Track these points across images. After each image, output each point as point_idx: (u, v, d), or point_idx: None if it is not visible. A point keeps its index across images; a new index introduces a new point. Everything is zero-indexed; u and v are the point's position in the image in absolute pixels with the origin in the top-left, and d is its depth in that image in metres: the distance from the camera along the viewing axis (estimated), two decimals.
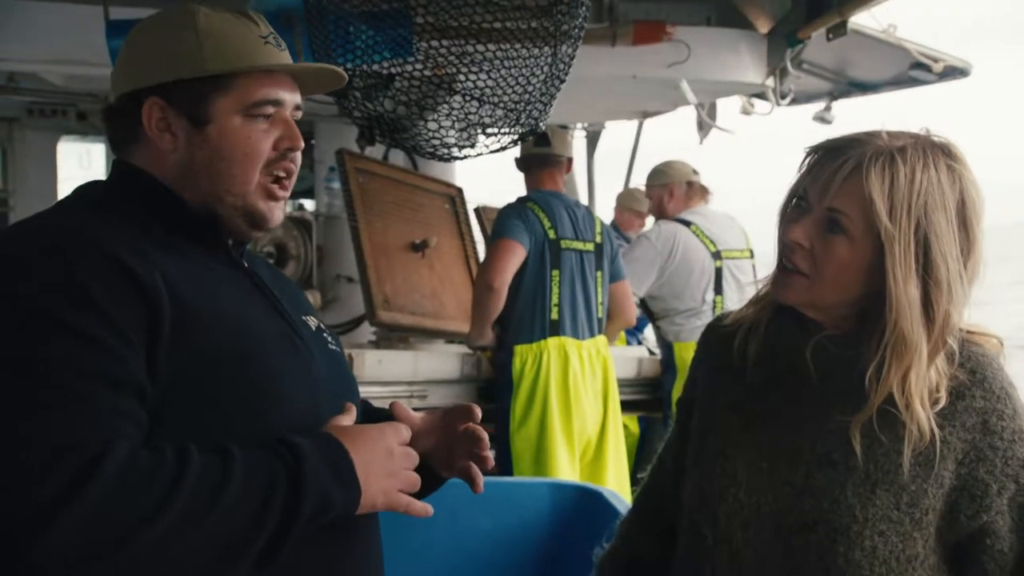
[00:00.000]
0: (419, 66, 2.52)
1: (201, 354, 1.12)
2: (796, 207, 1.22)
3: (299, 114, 1.28)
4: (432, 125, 2.63)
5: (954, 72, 4.02)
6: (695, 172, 4.15)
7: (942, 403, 1.16)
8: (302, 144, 1.27)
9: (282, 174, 1.26)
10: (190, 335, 1.11)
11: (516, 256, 3.40)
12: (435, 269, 4.16)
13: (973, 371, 1.18)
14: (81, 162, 5.86)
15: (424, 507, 1.24)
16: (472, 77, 2.46)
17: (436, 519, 2.38)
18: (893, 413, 1.16)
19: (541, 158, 3.58)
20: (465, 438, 1.36)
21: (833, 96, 4.69)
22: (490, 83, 2.46)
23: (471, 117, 2.57)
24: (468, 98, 2.50)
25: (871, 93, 4.61)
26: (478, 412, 1.37)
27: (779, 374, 1.26)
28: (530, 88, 2.50)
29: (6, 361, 1.03)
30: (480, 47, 2.45)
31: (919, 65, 4.01)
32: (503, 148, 2.66)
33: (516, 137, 2.61)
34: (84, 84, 4.12)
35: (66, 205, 1.25)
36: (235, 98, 1.22)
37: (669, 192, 4.19)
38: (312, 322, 1.35)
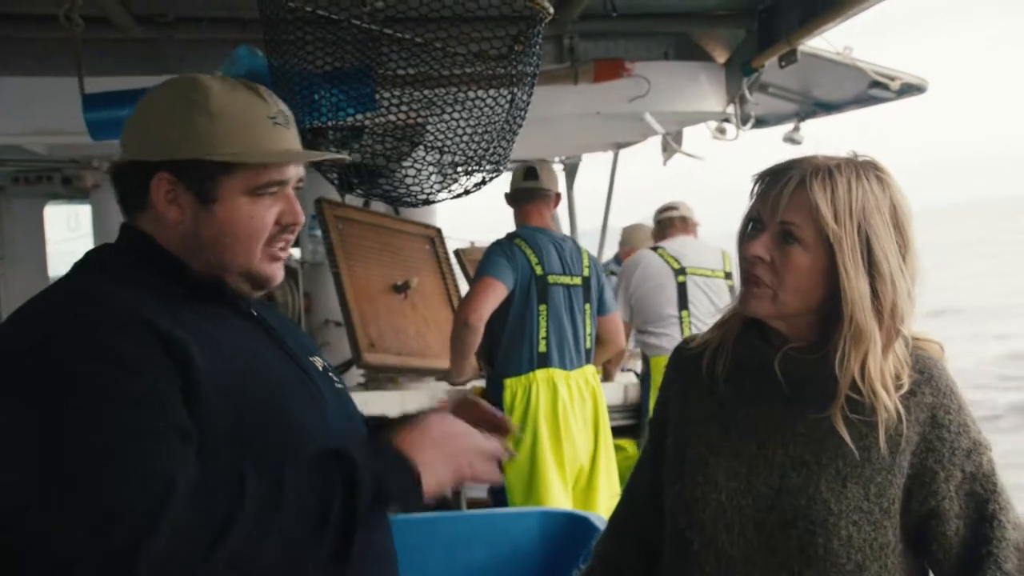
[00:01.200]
0: (381, 119, 2.61)
1: (227, 408, 1.16)
2: (753, 229, 1.33)
3: (302, 185, 1.34)
4: (399, 174, 2.72)
5: (911, 89, 4.12)
6: (668, 209, 4.38)
7: (905, 388, 1.28)
8: (303, 219, 1.32)
9: (282, 245, 1.32)
10: (216, 388, 1.16)
11: (495, 294, 3.46)
12: (418, 309, 4.25)
13: (921, 371, 1.30)
14: (69, 224, 5.94)
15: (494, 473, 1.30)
16: (431, 128, 2.55)
17: (432, 553, 2.44)
18: (857, 415, 1.27)
19: (529, 192, 3.66)
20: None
21: (800, 117, 4.80)
22: (448, 133, 2.56)
23: (435, 165, 2.66)
24: (429, 148, 2.59)
25: (836, 112, 4.71)
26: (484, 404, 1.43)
27: (749, 387, 1.36)
28: (487, 136, 2.58)
29: (70, 432, 1.05)
30: (440, 97, 2.54)
31: (877, 84, 4.11)
32: (467, 192, 2.75)
33: (479, 181, 2.70)
34: (67, 152, 4.21)
35: (85, 272, 1.28)
36: (243, 180, 1.26)
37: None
38: (319, 363, 1.40)
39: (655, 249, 4.26)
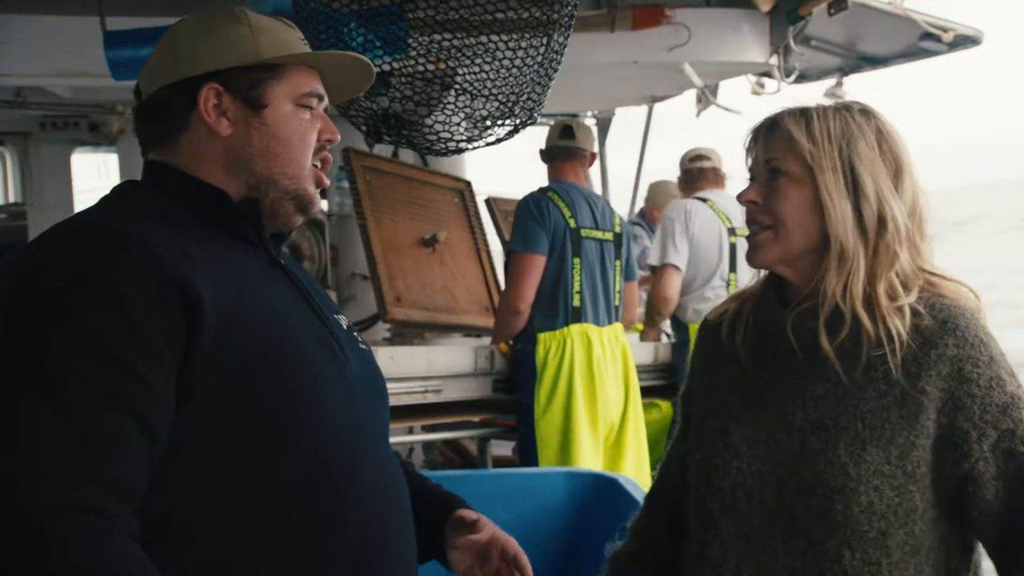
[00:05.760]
0: (411, 62, 2.53)
1: (244, 357, 1.14)
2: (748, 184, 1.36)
3: (328, 110, 1.37)
4: (429, 120, 2.65)
5: (965, 41, 3.95)
6: (699, 158, 4.08)
7: (911, 299, 1.24)
8: (339, 137, 1.34)
9: (323, 165, 1.32)
10: (233, 339, 1.13)
11: (538, 268, 3.44)
12: (446, 264, 4.17)
13: (944, 321, 1.23)
14: (99, 173, 5.99)
15: None
16: (463, 71, 2.47)
17: None
18: (852, 343, 1.24)
19: (565, 150, 3.62)
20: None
21: (844, 72, 4.64)
22: (482, 76, 2.47)
23: (466, 111, 2.58)
24: (460, 92, 2.50)
25: (882, 67, 4.54)
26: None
27: (769, 353, 1.33)
28: (523, 80, 2.49)
29: (37, 374, 1.04)
30: (474, 40, 2.46)
31: (928, 35, 3.94)
32: (499, 140, 2.66)
33: (511, 128, 2.61)
34: (91, 95, 4.18)
35: (108, 205, 1.26)
36: (288, 86, 1.28)
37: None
38: (344, 321, 1.37)
39: (704, 200, 3.93)
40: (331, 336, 1.28)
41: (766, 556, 1.26)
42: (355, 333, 1.39)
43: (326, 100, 1.34)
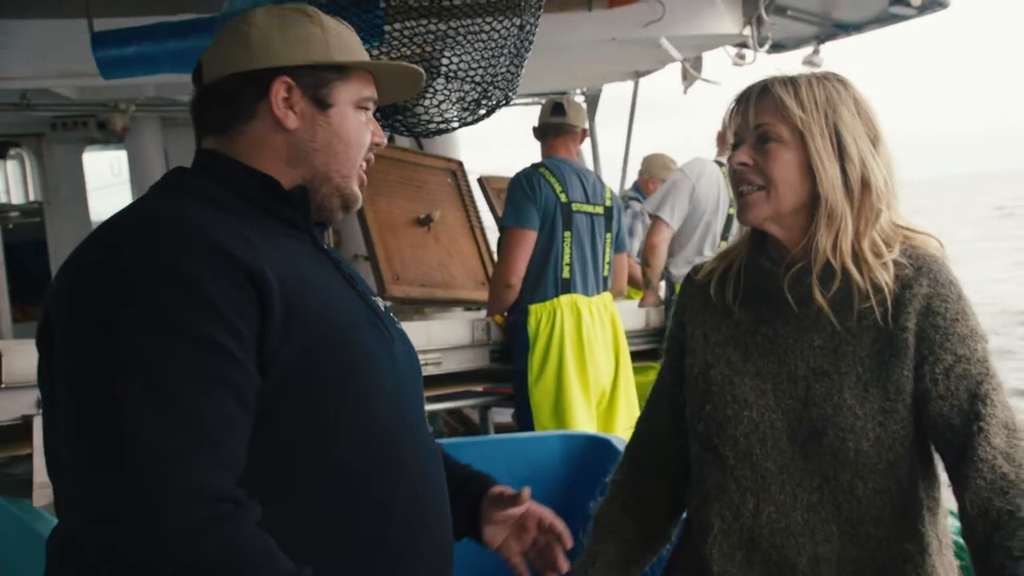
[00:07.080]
0: (393, 50, 2.64)
1: (307, 340, 1.17)
2: (734, 147, 1.42)
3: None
4: (412, 103, 2.76)
5: (933, 5, 4.05)
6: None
7: (894, 255, 1.34)
8: (385, 141, 1.39)
9: (366, 166, 1.37)
10: (297, 322, 1.16)
11: (528, 243, 3.55)
12: (441, 241, 4.33)
13: (919, 267, 1.34)
14: (112, 170, 6.12)
15: None
16: (438, 55, 2.59)
17: None
18: (842, 295, 1.33)
19: (556, 127, 3.71)
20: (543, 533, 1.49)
21: (820, 39, 4.73)
22: (456, 59, 2.59)
23: (444, 92, 2.70)
24: (437, 74, 2.63)
25: (856, 33, 4.63)
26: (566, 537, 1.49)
27: (763, 309, 1.42)
28: (496, 62, 2.61)
29: (131, 363, 1.05)
30: (446, 25, 2.57)
31: (898, 1, 4.04)
32: (477, 120, 2.79)
33: (487, 110, 2.74)
34: (96, 95, 4.29)
35: (164, 194, 1.27)
36: (353, 89, 1.32)
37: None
38: (381, 303, 1.40)
39: (720, 165, 4.04)
40: (377, 317, 1.32)
41: (784, 494, 1.35)
42: (392, 314, 1.42)
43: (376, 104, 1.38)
